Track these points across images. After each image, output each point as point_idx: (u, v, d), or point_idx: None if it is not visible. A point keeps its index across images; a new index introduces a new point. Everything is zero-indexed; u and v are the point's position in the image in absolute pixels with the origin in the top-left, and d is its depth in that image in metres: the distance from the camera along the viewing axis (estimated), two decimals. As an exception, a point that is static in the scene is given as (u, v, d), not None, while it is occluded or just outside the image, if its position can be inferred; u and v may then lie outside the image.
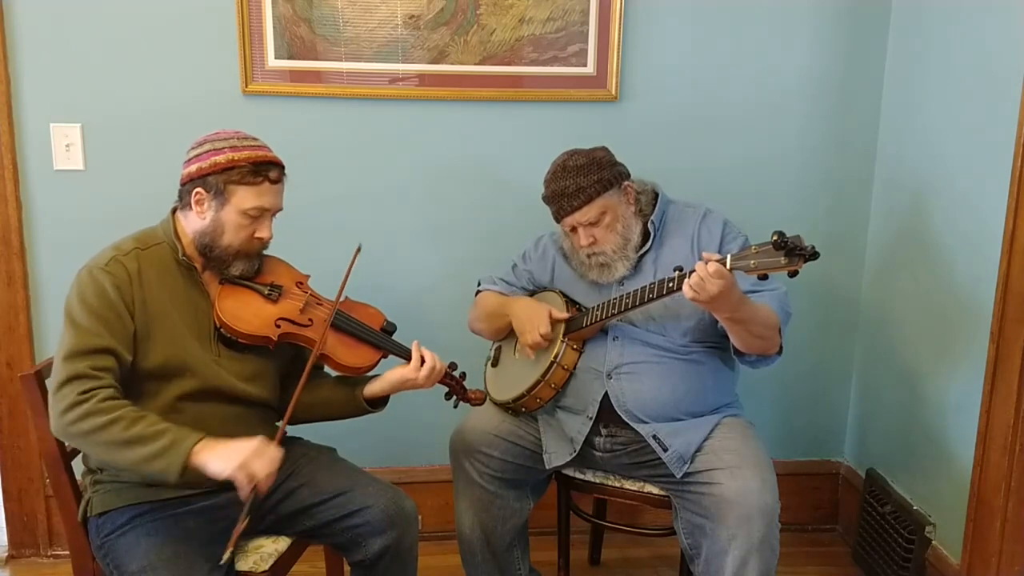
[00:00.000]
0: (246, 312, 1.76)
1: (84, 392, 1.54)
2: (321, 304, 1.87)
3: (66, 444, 1.78)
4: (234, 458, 1.52)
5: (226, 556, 1.53)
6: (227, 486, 1.73)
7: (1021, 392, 1.95)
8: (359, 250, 1.88)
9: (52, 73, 2.31)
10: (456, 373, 1.95)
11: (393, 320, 1.95)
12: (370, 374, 1.89)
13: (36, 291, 2.42)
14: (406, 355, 1.87)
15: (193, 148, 1.74)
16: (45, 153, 2.34)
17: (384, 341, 1.89)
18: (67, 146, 2.34)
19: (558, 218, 2.02)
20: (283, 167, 1.77)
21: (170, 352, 1.68)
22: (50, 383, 1.60)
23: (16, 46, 2.28)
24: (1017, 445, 1.97)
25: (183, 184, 1.74)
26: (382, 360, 1.89)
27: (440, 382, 1.90)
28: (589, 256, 2.01)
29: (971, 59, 2.13)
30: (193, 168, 1.71)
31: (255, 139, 1.76)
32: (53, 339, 2.43)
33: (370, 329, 1.88)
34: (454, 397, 1.97)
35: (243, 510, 1.55)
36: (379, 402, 1.90)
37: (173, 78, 2.34)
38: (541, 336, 1.98)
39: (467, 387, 1.97)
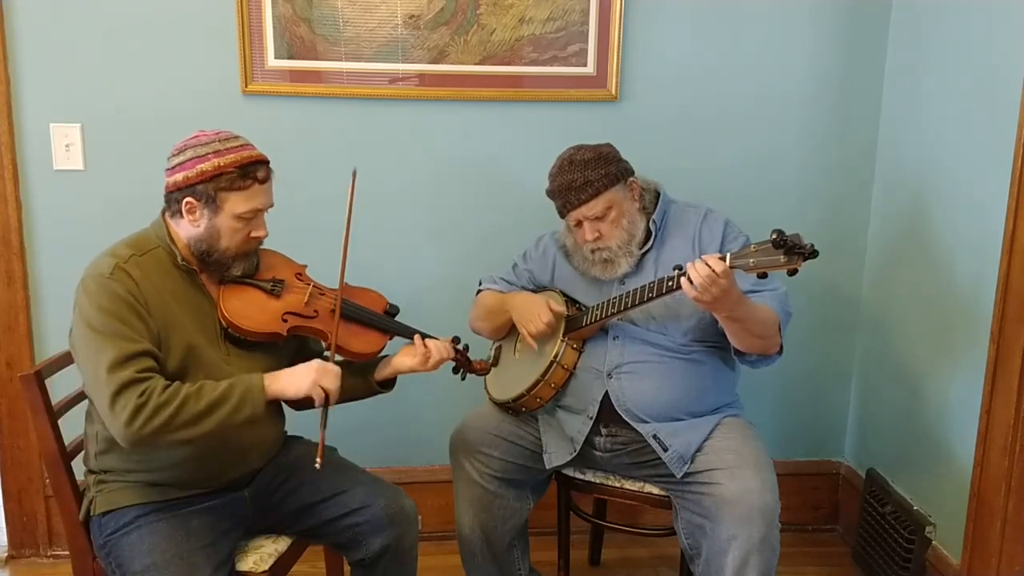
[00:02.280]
0: (252, 310, 1.75)
1: (142, 395, 1.54)
2: (324, 294, 1.86)
3: (63, 445, 1.78)
4: (306, 378, 1.66)
5: (318, 463, 1.66)
6: (228, 487, 1.74)
7: (1021, 392, 1.95)
8: (355, 174, 1.81)
9: (52, 73, 2.31)
10: (460, 347, 1.95)
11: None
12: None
13: (36, 291, 2.42)
14: (411, 335, 1.88)
15: (175, 155, 1.71)
16: (45, 153, 2.34)
17: (390, 324, 1.90)
18: (67, 146, 2.34)
19: (564, 212, 2.02)
20: (269, 163, 1.74)
21: (183, 357, 1.67)
22: (99, 400, 1.57)
23: (16, 46, 2.28)
24: (1017, 445, 1.97)
25: (169, 192, 1.71)
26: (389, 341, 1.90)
27: (447, 358, 1.90)
28: (593, 252, 2.01)
29: (971, 58, 2.13)
30: (179, 177, 1.68)
31: (236, 138, 1.73)
32: (53, 339, 2.43)
33: (375, 314, 1.89)
34: (461, 370, 1.97)
35: (321, 421, 1.71)
36: (388, 383, 1.91)
37: (173, 78, 2.34)
38: (545, 324, 1.98)
39: (471, 359, 1.98)
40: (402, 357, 1.87)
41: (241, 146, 1.71)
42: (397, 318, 1.92)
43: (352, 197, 1.82)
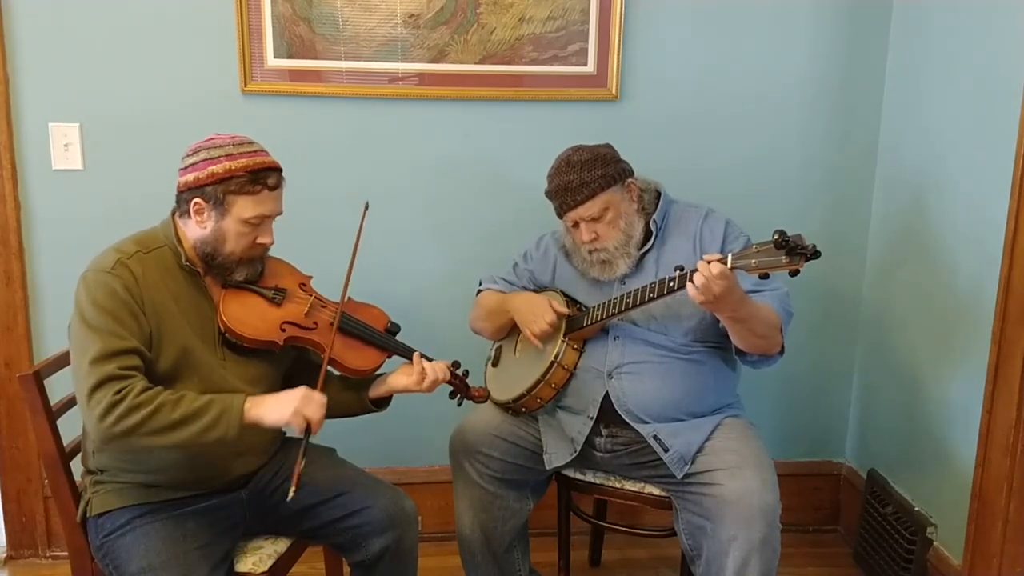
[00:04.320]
0: (251, 316, 1.75)
1: (119, 392, 1.53)
2: (325, 306, 1.86)
3: (75, 445, 1.78)
4: (288, 406, 1.60)
5: (291, 494, 1.58)
6: (225, 488, 1.73)
7: (1023, 393, 1.95)
8: (367, 207, 1.84)
9: (51, 73, 2.30)
10: (459, 371, 1.95)
11: (394, 319, 1.94)
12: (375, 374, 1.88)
13: (35, 291, 2.42)
14: (410, 355, 1.88)
15: (188, 156, 1.71)
16: (44, 153, 2.34)
17: (389, 343, 1.89)
18: (65, 146, 2.34)
19: (561, 213, 2.02)
20: (281, 171, 1.75)
21: (177, 357, 1.67)
22: (78, 391, 1.57)
23: (16, 46, 2.27)
24: (1019, 446, 1.97)
25: (180, 192, 1.72)
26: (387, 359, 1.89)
27: (444, 381, 1.89)
28: (591, 252, 2.01)
29: (972, 58, 2.12)
30: (190, 177, 1.69)
31: (251, 143, 1.73)
32: (52, 339, 2.43)
33: (375, 331, 1.88)
34: (458, 395, 1.97)
35: (300, 451, 1.61)
36: (383, 401, 1.90)
37: (172, 78, 2.33)
38: (548, 325, 1.97)
39: (470, 385, 1.97)
40: (398, 376, 1.86)
41: (255, 152, 1.72)
42: (399, 337, 1.91)
43: (361, 228, 1.84)
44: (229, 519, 1.74)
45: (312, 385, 1.74)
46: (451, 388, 1.95)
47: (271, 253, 1.85)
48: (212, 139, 1.72)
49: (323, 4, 2.32)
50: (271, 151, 1.76)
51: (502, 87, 2.41)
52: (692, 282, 1.71)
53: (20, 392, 1.76)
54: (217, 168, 1.67)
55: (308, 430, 1.62)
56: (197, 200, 1.68)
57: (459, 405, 2.00)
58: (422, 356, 1.88)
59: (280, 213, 1.77)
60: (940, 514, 2.27)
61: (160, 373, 1.65)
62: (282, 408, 1.60)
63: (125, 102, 2.33)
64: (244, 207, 1.68)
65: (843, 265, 2.61)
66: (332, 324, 1.80)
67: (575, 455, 2.01)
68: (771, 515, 1.79)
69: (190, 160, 1.70)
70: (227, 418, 1.56)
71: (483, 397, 2.00)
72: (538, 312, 2.00)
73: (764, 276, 1.68)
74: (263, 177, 1.69)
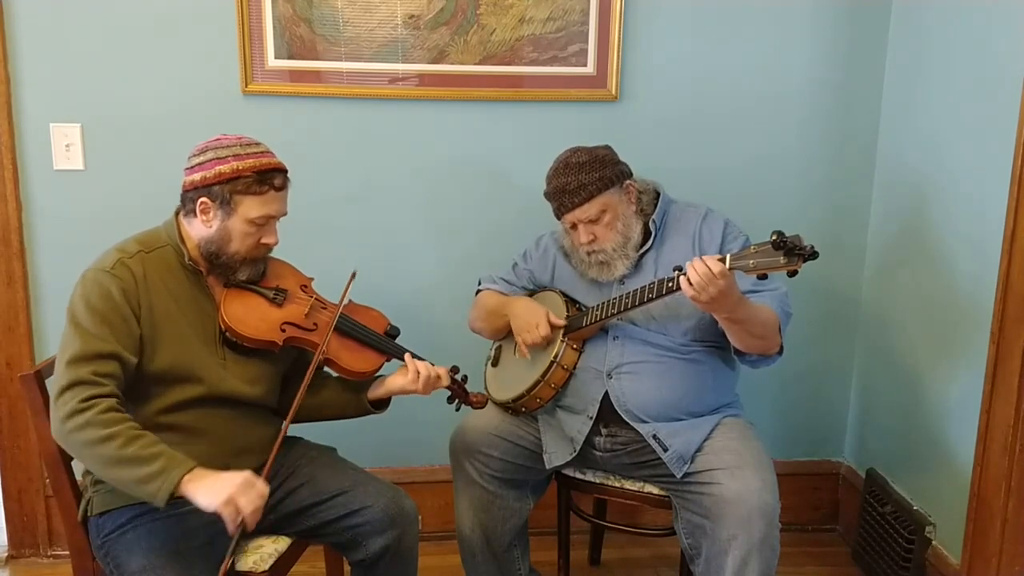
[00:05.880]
0: (251, 316, 1.75)
1: (86, 400, 1.52)
2: (325, 308, 1.87)
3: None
4: (222, 492, 1.49)
5: None
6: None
7: (1021, 392, 1.95)
8: (354, 275, 1.85)
9: (52, 73, 2.30)
10: (458, 376, 1.95)
11: (393, 319, 1.95)
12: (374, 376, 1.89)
13: (36, 291, 2.42)
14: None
15: (195, 155, 1.72)
16: (45, 153, 2.34)
17: (388, 345, 1.89)
18: (67, 146, 2.34)
19: (559, 214, 2.02)
20: (287, 172, 1.75)
21: (176, 357, 1.68)
22: (52, 386, 1.58)
23: (16, 46, 2.28)
24: (1017, 445, 1.97)
25: (186, 191, 1.72)
26: (386, 362, 1.90)
27: (443, 386, 1.90)
28: (589, 254, 2.01)
29: (971, 59, 2.13)
30: (197, 177, 1.69)
31: (257, 144, 1.74)
32: (53, 339, 2.43)
33: (374, 333, 1.89)
34: (456, 400, 1.97)
35: (229, 546, 1.55)
36: (382, 403, 1.91)
37: (173, 78, 2.34)
38: (542, 338, 1.98)
39: (469, 391, 1.98)
40: (395, 376, 1.88)
41: (261, 152, 1.73)
42: (399, 340, 1.92)
43: (346, 293, 1.84)
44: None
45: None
46: (449, 393, 1.96)
47: (273, 254, 1.86)
48: (219, 139, 1.73)
49: (324, 5, 2.32)
50: (272, 152, 1.77)
51: (502, 88, 2.41)
52: (689, 283, 1.71)
53: (22, 392, 1.77)
54: (225, 168, 1.67)
55: (242, 524, 1.49)
56: (204, 199, 1.69)
57: (457, 410, 2.01)
58: (413, 356, 1.87)
59: (285, 214, 1.77)
60: (939, 513, 2.27)
61: (156, 373, 1.66)
62: (216, 493, 1.48)
63: (126, 103, 2.34)
64: (251, 207, 1.69)
65: (843, 265, 2.61)
66: (330, 326, 1.81)
67: (575, 455, 2.02)
68: (770, 514, 1.80)
69: (197, 159, 1.71)
70: (161, 480, 1.48)
71: (481, 403, 2.00)
72: (532, 322, 2.00)
73: (762, 277, 1.68)
74: (270, 178, 1.70)
